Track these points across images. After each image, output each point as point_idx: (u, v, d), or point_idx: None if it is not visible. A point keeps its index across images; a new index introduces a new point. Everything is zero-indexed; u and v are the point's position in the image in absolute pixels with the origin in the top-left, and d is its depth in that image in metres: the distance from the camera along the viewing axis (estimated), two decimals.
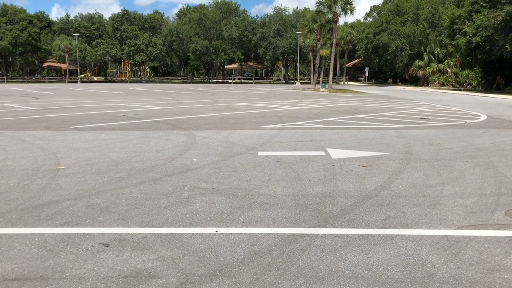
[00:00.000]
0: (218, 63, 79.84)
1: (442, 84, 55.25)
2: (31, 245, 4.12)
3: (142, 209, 5.20)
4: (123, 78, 79.52)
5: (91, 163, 7.81)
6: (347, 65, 75.46)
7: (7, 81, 69.85)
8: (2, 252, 3.94)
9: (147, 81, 76.60)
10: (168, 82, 73.21)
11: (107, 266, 3.69)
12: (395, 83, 65.53)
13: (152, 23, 76.30)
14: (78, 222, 4.74)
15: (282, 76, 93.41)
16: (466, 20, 41.91)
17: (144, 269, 3.63)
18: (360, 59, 73.08)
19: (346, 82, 69.91)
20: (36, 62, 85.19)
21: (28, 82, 69.85)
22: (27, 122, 14.12)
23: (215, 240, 4.25)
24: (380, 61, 63.36)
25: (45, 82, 70.76)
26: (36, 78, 77.90)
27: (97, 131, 12.08)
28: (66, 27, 77.62)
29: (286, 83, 75.44)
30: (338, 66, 67.95)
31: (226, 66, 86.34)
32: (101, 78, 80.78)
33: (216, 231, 4.48)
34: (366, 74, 70.52)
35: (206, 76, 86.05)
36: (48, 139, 10.57)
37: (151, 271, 3.60)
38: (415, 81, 59.69)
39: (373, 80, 71.36)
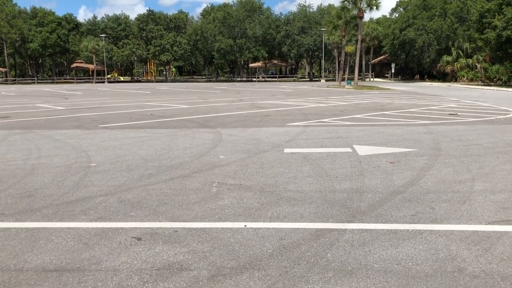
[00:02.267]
0: (242, 62, 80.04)
1: (471, 80, 54.01)
2: (67, 238, 4.28)
3: (172, 204, 5.32)
4: (149, 78, 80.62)
5: (121, 160, 8.00)
6: (373, 61, 74.54)
7: (38, 82, 71.70)
8: (41, 245, 4.11)
9: (173, 81, 77.44)
10: (193, 81, 73.85)
11: (140, 258, 3.80)
12: (422, 79, 64.40)
13: (177, 23, 77.00)
14: (111, 217, 4.88)
15: (306, 73, 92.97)
16: (496, 14, 40.87)
17: (176, 261, 3.73)
18: (386, 55, 72.09)
19: (372, 79, 69.09)
20: (65, 63, 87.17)
21: (57, 83, 71.54)
22: (58, 122, 14.51)
23: (244, 234, 4.32)
24: (406, 57, 62.36)
25: (73, 82, 72.37)
26: (64, 79, 79.72)
27: (126, 129, 12.33)
28: (93, 28, 79.13)
29: (311, 80, 75.09)
30: (363, 62, 67.22)
31: (250, 65, 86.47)
32: (127, 78, 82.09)
33: (245, 226, 4.55)
34: (393, 71, 69.55)
35: (231, 75, 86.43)
36: (78, 137, 10.86)
37: (183, 263, 3.69)
38: (443, 77, 58.54)
39: (399, 77, 70.32)
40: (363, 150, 8.77)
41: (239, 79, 76.59)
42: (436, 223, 4.60)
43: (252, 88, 42.34)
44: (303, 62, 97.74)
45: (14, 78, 78.16)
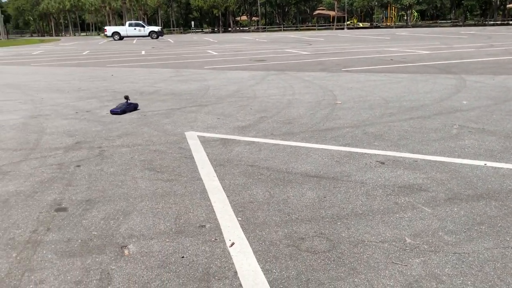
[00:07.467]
0: (498, 2, 70.33)
1: None
2: (322, 155, 5.21)
3: (412, 139, 5.75)
4: (388, 24, 78.61)
5: (363, 100, 8.69)
6: None
7: (283, 30, 77.92)
8: (302, 158, 5.14)
9: (413, 26, 73.74)
10: (436, 26, 68.83)
11: (383, 177, 4.44)
12: None
13: None
14: (356, 144, 5.63)
15: None
16: None
17: (415, 184, 4.24)
18: None
19: None
20: (308, 10, 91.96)
21: (300, 30, 76.40)
22: (305, 65, 16.04)
23: (483, 171, 4.50)
24: None
25: (315, 29, 76.10)
26: (307, 26, 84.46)
27: (366, 73, 12.93)
28: None
29: None
30: None
31: (508, 5, 75.27)
32: (366, 24, 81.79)
33: (485, 164, 4.70)
34: None
35: (482, 18, 77.13)
36: (324, 79, 11.97)
37: (422, 186, 4.18)
38: None
39: None
40: None
41: (491, 22, 67.87)
42: None
43: (507, 33, 37.32)
44: None
45: (264, 26, 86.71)
